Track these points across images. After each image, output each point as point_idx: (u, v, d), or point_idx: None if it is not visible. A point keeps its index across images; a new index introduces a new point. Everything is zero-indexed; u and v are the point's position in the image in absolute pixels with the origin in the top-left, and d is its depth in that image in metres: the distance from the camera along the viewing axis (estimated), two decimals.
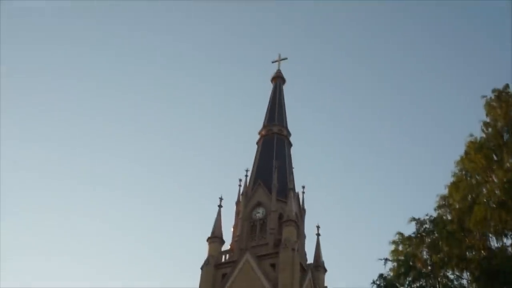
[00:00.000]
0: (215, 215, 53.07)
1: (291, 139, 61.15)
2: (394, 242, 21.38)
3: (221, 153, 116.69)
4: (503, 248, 19.31)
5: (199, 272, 49.30)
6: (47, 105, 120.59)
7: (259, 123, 62.26)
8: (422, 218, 21.46)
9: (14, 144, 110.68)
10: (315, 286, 50.34)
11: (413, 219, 21.51)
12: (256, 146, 60.20)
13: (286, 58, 67.95)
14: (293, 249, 47.23)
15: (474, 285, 18.93)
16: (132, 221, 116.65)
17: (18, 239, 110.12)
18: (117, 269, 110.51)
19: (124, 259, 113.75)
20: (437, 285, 19.80)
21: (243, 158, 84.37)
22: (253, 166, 57.86)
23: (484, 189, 20.56)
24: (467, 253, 19.83)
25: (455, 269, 19.71)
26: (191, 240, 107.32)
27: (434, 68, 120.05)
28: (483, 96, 22.33)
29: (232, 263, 49.45)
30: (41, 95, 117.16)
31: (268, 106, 63.81)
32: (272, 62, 67.74)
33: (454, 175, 21.58)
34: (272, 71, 67.06)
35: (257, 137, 61.01)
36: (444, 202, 21.75)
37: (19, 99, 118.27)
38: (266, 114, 62.99)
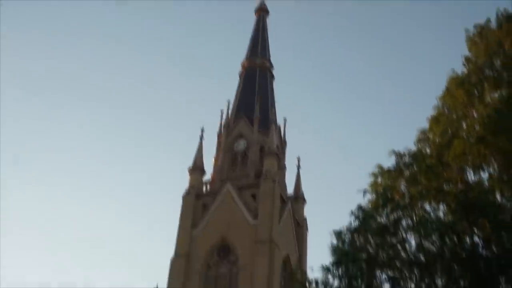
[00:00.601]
0: (196, 146, 53.34)
1: (274, 72, 60.93)
2: (373, 174, 21.52)
3: (204, 85, 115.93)
4: (480, 182, 19.63)
5: (181, 201, 49.96)
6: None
7: (242, 56, 61.86)
8: (402, 152, 21.61)
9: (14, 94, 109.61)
10: (295, 216, 51.34)
11: (393, 152, 21.65)
12: (238, 79, 59.96)
13: None
14: (273, 181, 47.88)
15: (450, 216, 19.27)
16: (116, 151, 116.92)
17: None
18: (104, 196, 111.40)
19: (109, 187, 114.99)
20: (414, 217, 20.10)
21: (226, 91, 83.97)
22: (235, 98, 57.80)
23: (464, 124, 20.70)
24: (444, 186, 20.09)
25: (432, 201, 19.95)
26: (173, 170, 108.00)
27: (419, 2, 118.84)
28: (466, 30, 22.22)
29: (213, 193, 50.07)
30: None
31: (251, 39, 63.22)
32: None
33: (436, 108, 21.68)
34: (256, 3, 66.10)
35: (240, 69, 60.69)
36: (424, 136, 21.89)
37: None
38: (249, 47, 62.45)
